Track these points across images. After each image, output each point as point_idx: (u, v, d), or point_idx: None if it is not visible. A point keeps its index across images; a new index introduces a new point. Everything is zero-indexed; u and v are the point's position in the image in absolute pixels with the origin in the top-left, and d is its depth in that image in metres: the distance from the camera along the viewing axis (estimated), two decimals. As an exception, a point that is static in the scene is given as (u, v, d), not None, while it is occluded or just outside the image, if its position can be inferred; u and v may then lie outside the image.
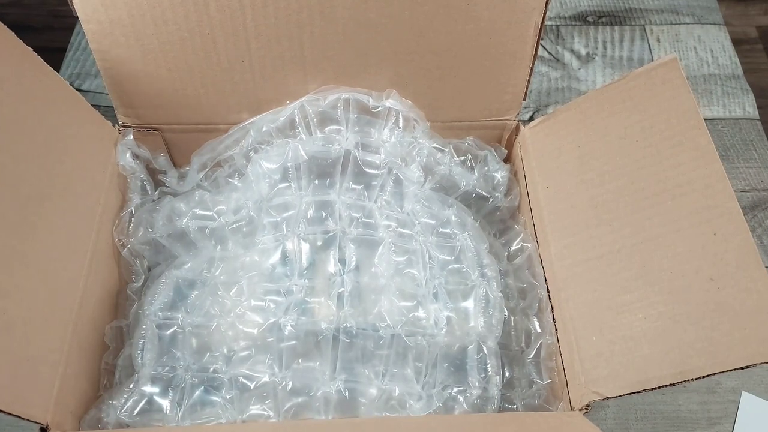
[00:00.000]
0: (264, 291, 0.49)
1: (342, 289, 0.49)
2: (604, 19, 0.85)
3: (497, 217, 0.59)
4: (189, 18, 0.49)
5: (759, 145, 0.73)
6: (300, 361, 0.47)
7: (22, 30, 0.44)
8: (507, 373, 0.51)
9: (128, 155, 0.55)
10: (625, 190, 0.47)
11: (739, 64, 0.81)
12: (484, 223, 0.59)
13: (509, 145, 0.60)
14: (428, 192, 0.55)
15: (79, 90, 0.51)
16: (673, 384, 0.40)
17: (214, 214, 0.54)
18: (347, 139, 0.53)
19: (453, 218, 0.54)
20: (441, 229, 0.54)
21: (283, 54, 0.52)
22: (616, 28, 0.84)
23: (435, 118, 0.57)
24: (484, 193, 0.57)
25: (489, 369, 0.49)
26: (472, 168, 0.58)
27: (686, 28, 0.84)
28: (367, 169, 0.53)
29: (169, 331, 0.49)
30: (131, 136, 0.55)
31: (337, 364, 0.47)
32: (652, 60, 0.80)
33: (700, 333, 0.40)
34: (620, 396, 0.42)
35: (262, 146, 0.55)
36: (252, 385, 0.47)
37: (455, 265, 0.52)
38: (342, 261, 0.50)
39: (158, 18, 0.49)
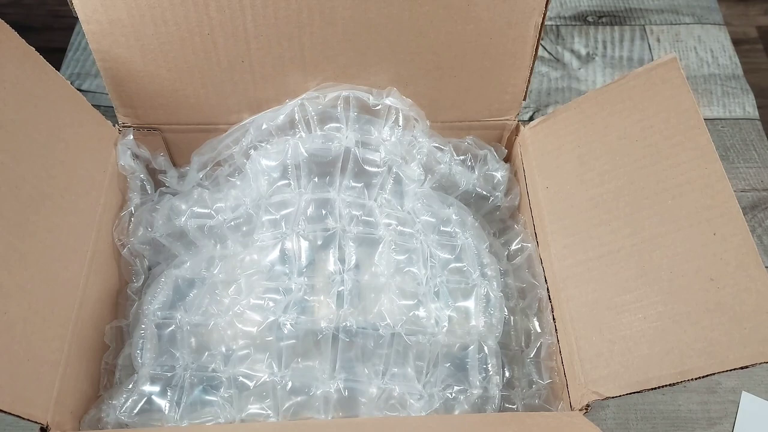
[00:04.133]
0: (263, 289, 0.49)
1: (342, 287, 0.48)
2: (604, 19, 0.85)
3: (497, 217, 0.59)
4: (189, 18, 0.49)
5: (759, 145, 0.73)
6: (299, 360, 0.47)
7: (22, 30, 0.44)
8: (507, 373, 0.51)
9: (128, 155, 0.55)
10: (625, 190, 0.47)
11: (739, 64, 0.81)
12: (484, 222, 0.59)
13: (509, 145, 0.60)
14: (428, 191, 0.55)
15: (79, 90, 0.51)
16: (673, 384, 0.40)
17: (213, 212, 0.54)
18: (347, 137, 0.53)
19: (453, 217, 0.54)
20: (442, 228, 0.54)
21: (283, 54, 0.52)
22: (616, 28, 0.84)
23: (435, 118, 0.57)
24: (484, 193, 0.57)
25: (489, 369, 0.49)
26: (472, 167, 0.58)
27: (686, 28, 0.84)
28: (367, 167, 0.53)
29: (168, 331, 0.49)
30: (131, 136, 0.55)
31: (337, 363, 0.47)
32: (652, 60, 0.80)
33: (700, 333, 0.40)
34: (620, 396, 0.42)
35: (262, 144, 0.55)
36: (251, 384, 0.47)
37: (456, 264, 0.52)
38: (342, 259, 0.50)
39: (158, 18, 0.49)
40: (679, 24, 0.84)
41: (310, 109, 0.54)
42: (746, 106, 0.77)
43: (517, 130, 0.59)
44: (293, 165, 0.53)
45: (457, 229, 0.54)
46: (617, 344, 0.43)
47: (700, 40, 0.83)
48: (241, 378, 0.47)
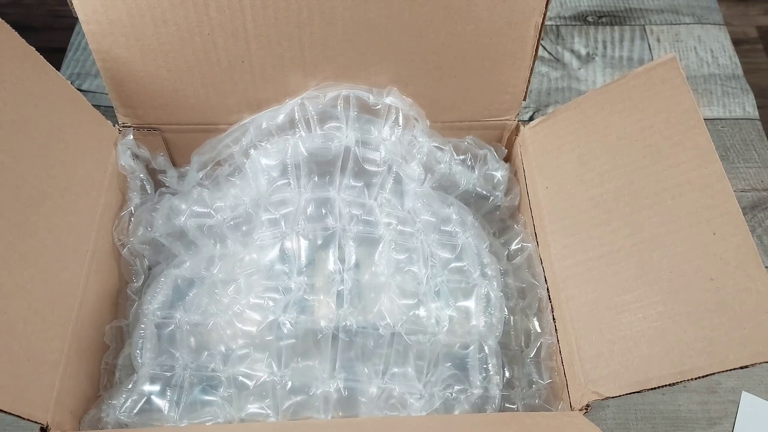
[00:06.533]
0: (263, 289, 0.49)
1: (342, 287, 0.49)
2: (604, 19, 0.85)
3: (497, 217, 0.59)
4: (189, 18, 0.49)
5: (759, 145, 0.73)
6: (299, 359, 0.47)
7: (22, 30, 0.44)
8: (507, 373, 0.51)
9: (128, 155, 0.55)
10: (625, 190, 0.47)
11: (739, 64, 0.81)
12: (484, 222, 0.59)
13: (509, 145, 0.61)
14: (428, 190, 0.55)
15: (79, 90, 0.51)
16: (673, 384, 0.40)
17: (212, 212, 0.54)
18: (347, 136, 0.53)
19: (453, 216, 0.54)
20: (442, 227, 0.54)
21: (283, 54, 0.52)
22: (616, 28, 0.84)
23: (435, 118, 0.57)
24: (484, 192, 0.57)
25: (490, 368, 0.49)
26: (472, 167, 0.58)
27: (686, 28, 0.84)
28: (367, 167, 0.53)
29: (168, 330, 0.49)
30: (131, 136, 0.55)
31: (337, 363, 0.47)
32: (652, 60, 0.80)
33: (700, 333, 0.40)
34: (620, 396, 0.42)
35: (262, 143, 0.55)
36: (251, 384, 0.47)
37: (456, 264, 0.52)
38: (342, 259, 0.50)
39: (158, 18, 0.49)
40: (679, 24, 0.84)
41: (310, 108, 0.54)
42: (746, 106, 0.77)
43: (517, 130, 0.59)
44: (293, 164, 0.53)
45: (457, 229, 0.54)
46: (617, 344, 0.43)
47: (700, 40, 0.83)
48: (240, 378, 0.47)
